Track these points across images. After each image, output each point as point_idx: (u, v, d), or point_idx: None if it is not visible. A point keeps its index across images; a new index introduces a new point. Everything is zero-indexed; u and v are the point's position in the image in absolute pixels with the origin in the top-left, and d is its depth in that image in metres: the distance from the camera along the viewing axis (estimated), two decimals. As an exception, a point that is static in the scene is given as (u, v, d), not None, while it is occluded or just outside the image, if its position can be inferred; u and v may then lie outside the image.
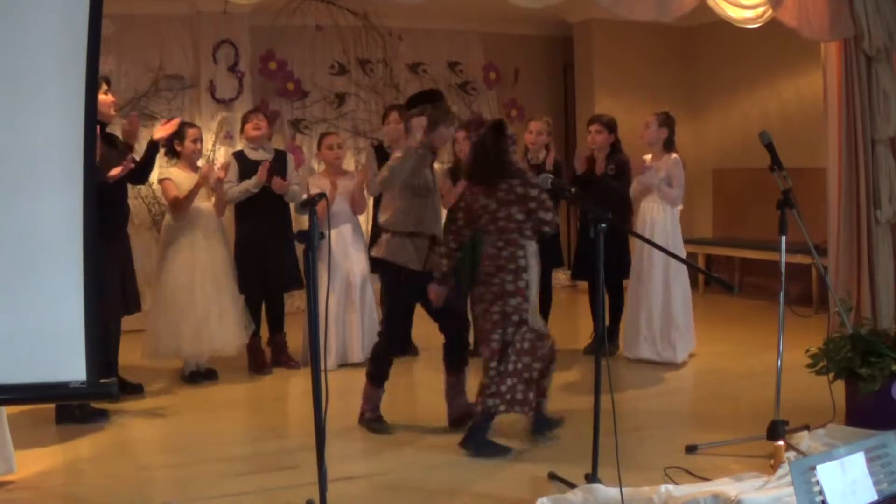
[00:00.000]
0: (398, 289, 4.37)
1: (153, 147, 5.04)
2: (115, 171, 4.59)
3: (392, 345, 4.45)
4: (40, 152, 2.78)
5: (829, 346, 4.15)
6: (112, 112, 4.84)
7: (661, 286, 5.59)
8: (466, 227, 4.13)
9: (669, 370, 5.47)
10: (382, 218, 4.41)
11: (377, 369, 4.41)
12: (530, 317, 3.99)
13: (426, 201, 4.34)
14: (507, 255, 3.96)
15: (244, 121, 5.79)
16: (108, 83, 4.89)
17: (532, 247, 4.01)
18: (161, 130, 5.14)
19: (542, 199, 3.96)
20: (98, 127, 4.50)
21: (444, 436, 4.29)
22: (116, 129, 5.17)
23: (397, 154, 4.32)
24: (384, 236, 4.37)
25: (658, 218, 5.61)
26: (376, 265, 4.67)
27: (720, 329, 6.61)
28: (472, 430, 3.99)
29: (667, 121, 5.66)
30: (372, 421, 4.40)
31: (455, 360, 4.43)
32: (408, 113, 4.42)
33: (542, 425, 4.18)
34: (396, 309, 4.43)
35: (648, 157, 5.71)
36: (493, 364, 3.96)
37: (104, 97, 4.72)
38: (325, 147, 5.81)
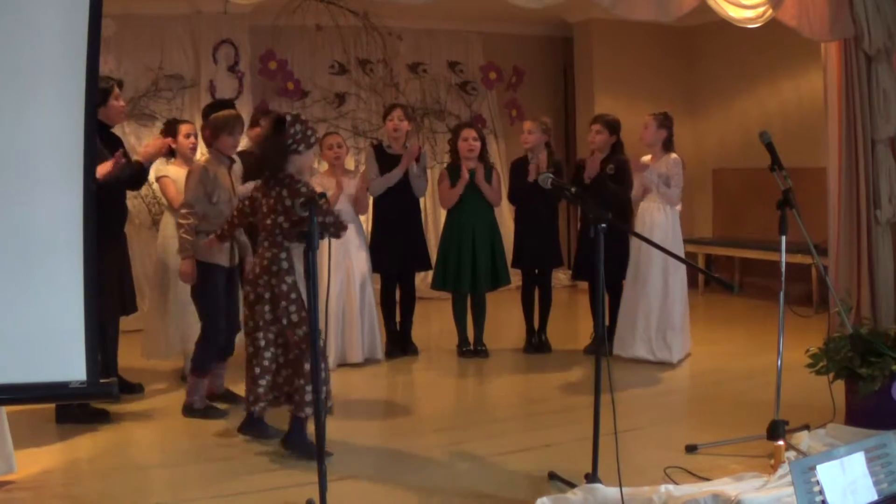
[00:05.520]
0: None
1: (141, 168, 4.87)
2: (106, 168, 4.45)
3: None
4: (40, 152, 2.78)
5: (829, 346, 4.16)
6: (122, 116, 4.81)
7: (660, 286, 5.57)
8: (240, 217, 4.21)
9: (669, 370, 5.46)
10: None
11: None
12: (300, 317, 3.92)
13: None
14: (270, 257, 3.95)
15: (255, 123, 5.70)
16: (120, 86, 4.86)
17: (298, 249, 3.80)
18: (148, 153, 4.91)
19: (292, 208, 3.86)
20: (102, 129, 4.51)
21: (444, 436, 4.30)
22: (118, 130, 5.16)
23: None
24: None
25: (657, 218, 5.60)
26: None
27: (720, 329, 6.60)
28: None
29: (665, 121, 5.65)
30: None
31: None
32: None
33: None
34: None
35: (647, 157, 5.71)
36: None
37: (117, 103, 4.71)
38: (325, 147, 5.81)
